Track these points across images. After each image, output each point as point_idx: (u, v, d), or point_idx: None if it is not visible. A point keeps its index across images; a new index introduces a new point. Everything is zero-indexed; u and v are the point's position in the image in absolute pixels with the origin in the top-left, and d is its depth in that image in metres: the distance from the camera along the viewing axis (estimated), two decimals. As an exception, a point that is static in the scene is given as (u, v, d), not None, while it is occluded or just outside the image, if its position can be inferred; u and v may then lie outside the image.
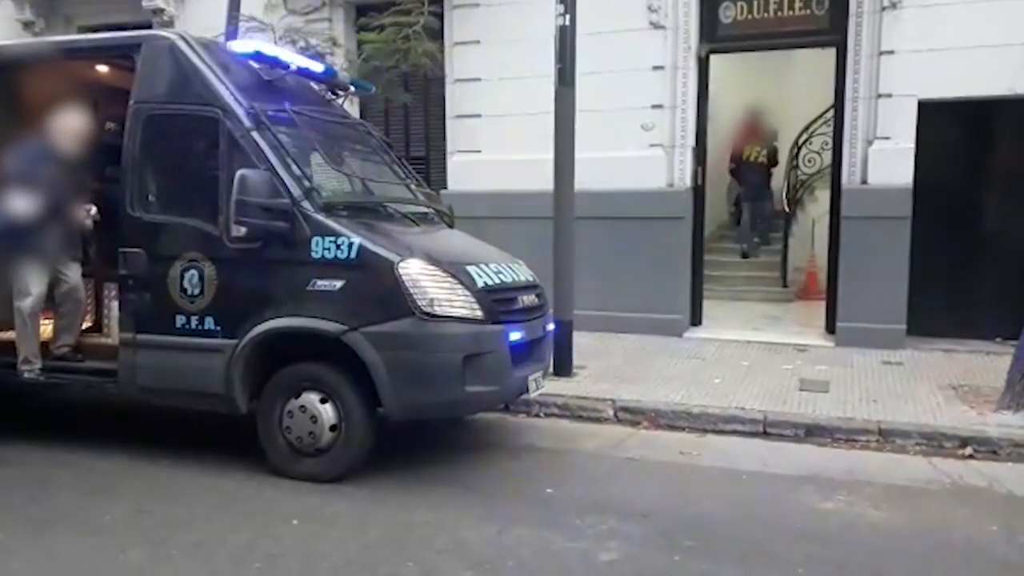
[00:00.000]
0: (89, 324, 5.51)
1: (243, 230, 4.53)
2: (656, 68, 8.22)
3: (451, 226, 5.75)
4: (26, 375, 5.15)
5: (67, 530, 3.94)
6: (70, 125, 5.14)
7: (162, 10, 9.96)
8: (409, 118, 9.56)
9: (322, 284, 4.49)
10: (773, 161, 11.46)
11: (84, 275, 5.54)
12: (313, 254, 4.52)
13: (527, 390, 5.08)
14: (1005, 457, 5.05)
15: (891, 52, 7.53)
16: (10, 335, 5.28)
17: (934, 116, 7.47)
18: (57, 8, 10.73)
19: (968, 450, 5.11)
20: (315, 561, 3.62)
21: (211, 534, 3.89)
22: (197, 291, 4.71)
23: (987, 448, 5.10)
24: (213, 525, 3.99)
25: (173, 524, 4.00)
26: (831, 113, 8.56)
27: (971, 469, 4.88)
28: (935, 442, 5.21)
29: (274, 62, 5.19)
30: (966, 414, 5.59)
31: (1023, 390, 5.60)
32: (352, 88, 6.05)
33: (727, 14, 8.23)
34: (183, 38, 4.97)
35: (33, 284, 5.14)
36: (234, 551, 3.71)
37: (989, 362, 6.92)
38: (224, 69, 4.89)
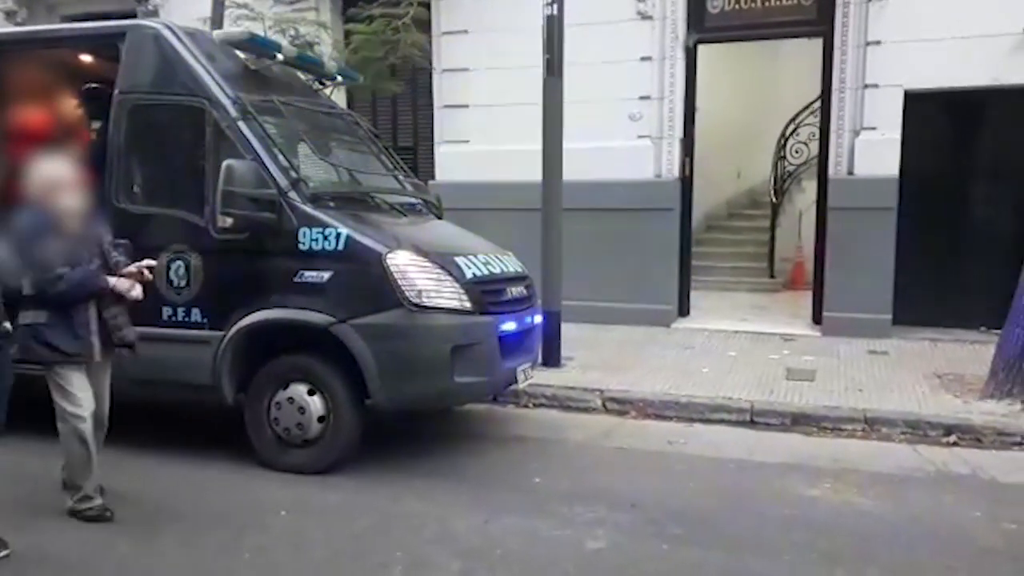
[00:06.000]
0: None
1: (229, 221, 4.51)
2: (644, 59, 8.22)
3: (439, 217, 5.73)
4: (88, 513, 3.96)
5: (54, 523, 3.92)
6: None
7: (147, -1, 9.88)
8: (397, 108, 9.53)
9: (310, 275, 4.47)
10: None
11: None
12: (300, 245, 4.50)
13: (516, 381, 5.09)
14: (988, 444, 5.10)
15: (878, 42, 7.56)
16: None
17: (920, 106, 7.50)
18: (40, -3, 10.63)
19: (952, 438, 5.16)
20: (304, 551, 3.62)
21: (199, 525, 3.89)
22: (184, 282, 4.69)
23: (971, 436, 5.15)
24: (201, 517, 3.99)
25: (161, 516, 3.99)
26: (818, 104, 8.57)
27: (955, 456, 4.92)
28: (920, 430, 5.26)
29: (267, 45, 5.16)
30: (951, 402, 5.64)
31: (1006, 379, 5.66)
32: (339, 78, 6.02)
33: (714, 4, 8.22)
34: (168, 27, 4.93)
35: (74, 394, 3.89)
36: (222, 542, 3.71)
37: (973, 351, 6.98)
38: (210, 58, 4.85)
